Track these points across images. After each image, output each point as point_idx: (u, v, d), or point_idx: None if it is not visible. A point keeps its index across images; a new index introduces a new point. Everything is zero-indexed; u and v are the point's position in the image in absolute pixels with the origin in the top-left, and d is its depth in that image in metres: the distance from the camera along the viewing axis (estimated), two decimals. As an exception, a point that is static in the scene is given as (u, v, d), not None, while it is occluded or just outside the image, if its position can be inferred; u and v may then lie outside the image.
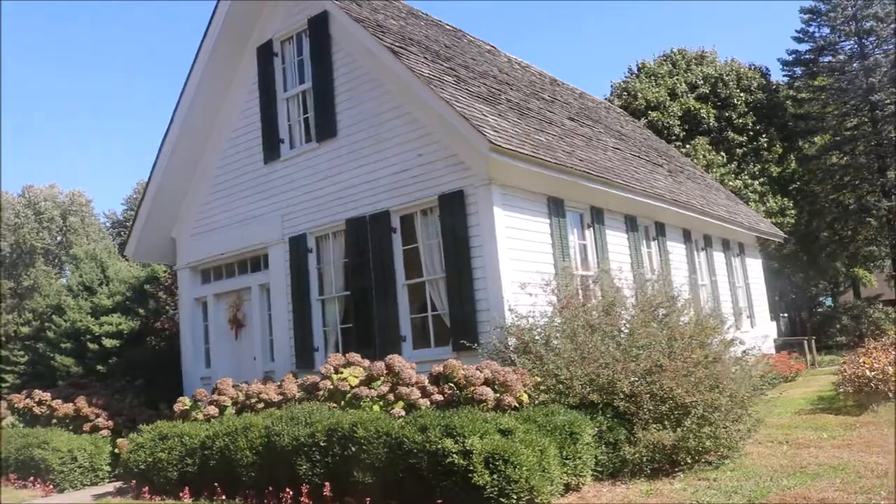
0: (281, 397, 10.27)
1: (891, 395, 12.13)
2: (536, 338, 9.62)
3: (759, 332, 19.68)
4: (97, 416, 13.19)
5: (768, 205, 30.62)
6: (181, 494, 9.50)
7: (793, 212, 30.72)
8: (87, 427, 12.98)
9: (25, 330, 54.55)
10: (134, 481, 10.28)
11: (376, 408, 9.00)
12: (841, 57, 32.29)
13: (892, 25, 30.02)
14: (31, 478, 12.02)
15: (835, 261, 32.73)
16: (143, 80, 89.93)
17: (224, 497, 9.08)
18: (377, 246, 11.80)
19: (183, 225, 15.07)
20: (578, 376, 8.71)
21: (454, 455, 7.24)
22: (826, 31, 32.39)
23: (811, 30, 32.65)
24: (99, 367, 31.40)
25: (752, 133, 33.26)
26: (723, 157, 31.85)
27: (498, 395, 8.50)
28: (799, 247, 31.62)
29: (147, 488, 9.96)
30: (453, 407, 8.43)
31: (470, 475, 7.09)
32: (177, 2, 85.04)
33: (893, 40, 30.33)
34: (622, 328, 9.58)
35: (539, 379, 8.90)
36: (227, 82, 14.23)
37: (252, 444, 9.03)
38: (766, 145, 32.77)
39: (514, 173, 10.82)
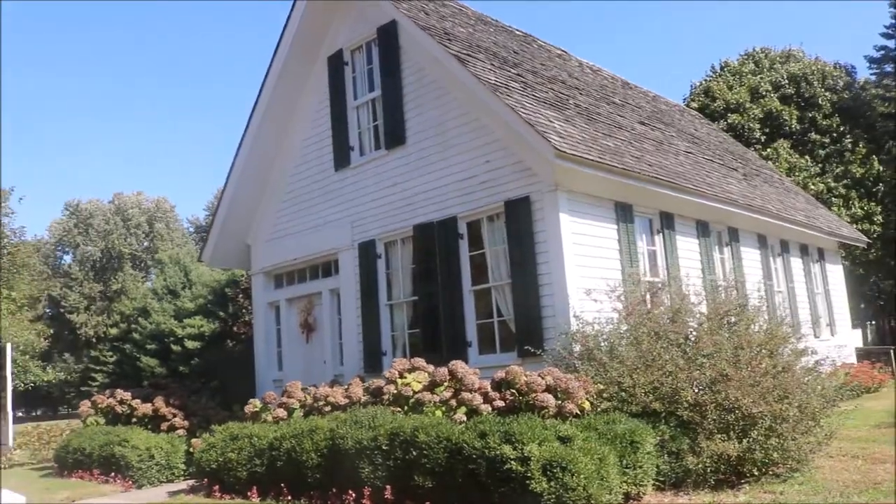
0: (347, 401, 10.42)
1: (977, 408, 11.63)
2: (601, 345, 9.55)
3: (839, 341, 19.06)
4: (174, 415, 13.63)
5: (853, 209, 29.62)
6: (249, 494, 9.75)
7: (879, 217, 29.62)
8: (164, 426, 13.44)
9: (114, 332, 56.61)
10: (205, 479, 10.57)
11: (439, 413, 9.07)
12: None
13: None
14: (112, 473, 12.48)
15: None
16: (224, 86, 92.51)
17: (290, 497, 9.27)
18: (444, 252, 11.89)
19: (257, 231, 15.46)
20: (641, 384, 8.61)
21: (512, 461, 7.25)
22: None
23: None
24: (181, 368, 32.46)
25: (836, 134, 32.22)
26: (806, 160, 30.95)
27: (559, 402, 8.47)
28: (885, 252, 30.45)
29: (217, 487, 10.23)
30: (514, 413, 8.43)
31: (527, 482, 7.09)
32: (248, 3, 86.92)
33: None
34: (689, 336, 9.42)
35: (602, 386, 8.82)
36: (299, 91, 14.55)
37: (317, 446, 9.20)
38: (850, 147, 31.67)
39: (580, 179, 10.77)
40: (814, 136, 32.11)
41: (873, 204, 29.78)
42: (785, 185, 21.08)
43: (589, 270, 10.70)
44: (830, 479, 8.54)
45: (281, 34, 14.10)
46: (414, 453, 8.15)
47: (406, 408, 9.45)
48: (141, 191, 59.37)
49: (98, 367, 52.68)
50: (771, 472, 8.77)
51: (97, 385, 44.48)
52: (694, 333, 9.31)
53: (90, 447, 13.20)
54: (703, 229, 13.87)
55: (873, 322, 39.89)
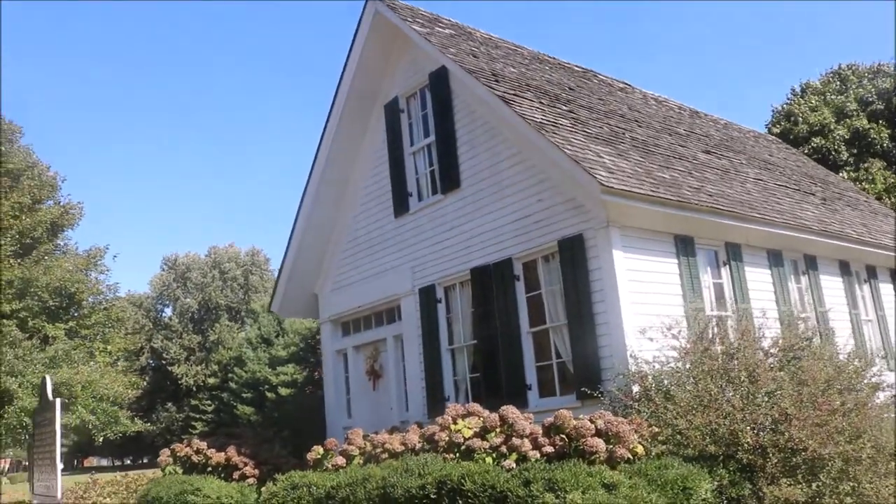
0: (403, 448, 10.33)
1: None
2: (657, 385, 9.20)
3: (941, 371, 17.89)
4: (245, 464, 13.79)
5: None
6: (307, 543, 9.73)
7: None
8: (236, 475, 13.61)
9: (212, 381, 58.04)
10: (268, 529, 10.61)
11: (489, 460, 8.88)
12: None
13: None
14: (186, 524, 12.66)
15: None
16: (301, 137, 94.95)
17: (345, 548, 9.20)
18: (501, 294, 11.76)
19: (324, 280, 15.65)
20: (697, 426, 8.21)
21: (555, 511, 7.01)
22: None
23: None
24: (276, 415, 32.90)
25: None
26: (904, 179, 29.48)
27: (610, 446, 8.17)
28: None
29: (281, 536, 10.26)
30: (564, 459, 8.17)
31: (570, 532, 6.83)
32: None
33: None
34: (751, 373, 8.96)
35: (657, 429, 8.48)
36: (358, 140, 14.76)
37: (370, 494, 9.12)
38: (951, 163, 30.06)
39: (634, 214, 10.50)
40: (911, 154, 30.62)
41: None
42: (872, 207, 20.07)
43: (647, 307, 10.34)
44: (913, 526, 7.95)
45: (338, 85, 14.37)
46: (460, 502, 7.99)
47: (458, 454, 9.29)
48: (233, 242, 61.26)
49: (198, 416, 54.27)
50: (847, 518, 8.22)
51: (197, 433, 45.76)
52: (755, 371, 8.85)
53: (166, 496, 13.46)
54: (775, 258, 13.29)
55: None
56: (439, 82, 13.10)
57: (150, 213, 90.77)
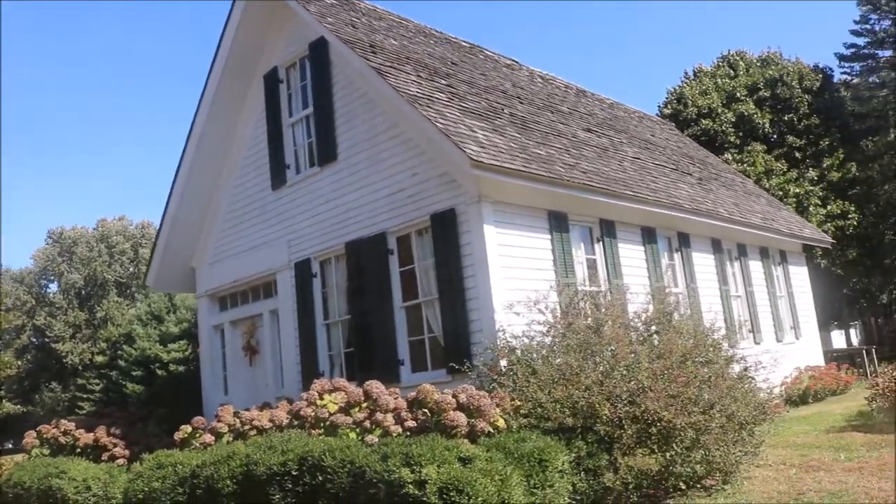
0: (271, 424, 10.14)
1: (927, 410, 11.33)
2: (523, 359, 9.27)
3: (804, 344, 18.78)
4: (115, 445, 13.33)
5: (829, 208, 29.36)
6: (171, 524, 9.45)
7: (855, 215, 29.37)
8: (105, 456, 13.14)
9: (100, 359, 56.36)
10: (132, 511, 10.28)
11: (353, 435, 8.79)
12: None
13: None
14: (50, 507, 12.15)
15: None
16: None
17: (208, 527, 8.97)
18: (375, 268, 11.63)
19: (201, 254, 15.20)
20: (557, 399, 8.31)
21: (409, 485, 6.93)
22: (887, 23, 31.00)
23: (871, 23, 31.28)
24: (162, 392, 31.96)
25: (813, 136, 31.96)
26: (782, 164, 30.66)
27: (472, 420, 8.18)
28: (862, 251, 30.18)
29: (144, 518, 9.94)
30: (426, 434, 8.14)
31: (424, 507, 6.79)
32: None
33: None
34: (612, 348, 9.12)
35: (519, 403, 8.54)
36: (237, 110, 14.33)
37: (233, 472, 8.88)
38: (826, 148, 31.40)
39: (507, 189, 10.52)
40: (791, 139, 31.85)
41: (847, 203, 29.53)
42: (747, 188, 20.82)
43: (519, 282, 10.40)
44: (758, 491, 8.27)
45: (215, 53, 13.89)
46: (320, 478, 7.84)
47: (323, 430, 9.17)
48: (124, 215, 59.11)
49: (85, 396, 52.32)
50: (700, 486, 8.49)
51: (84, 413, 44.09)
52: (615, 345, 9.01)
53: (30, 480, 12.86)
54: (649, 235, 13.61)
55: (858, 322, 39.59)
56: (319, 53, 12.81)
57: (36, 183, 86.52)
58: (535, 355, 9.26)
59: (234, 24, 13.58)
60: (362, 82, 11.87)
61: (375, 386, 9.06)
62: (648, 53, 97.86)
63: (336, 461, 7.83)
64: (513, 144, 11.07)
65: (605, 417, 8.20)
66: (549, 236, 11.37)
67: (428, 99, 10.91)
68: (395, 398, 9.09)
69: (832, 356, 22.32)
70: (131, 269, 57.22)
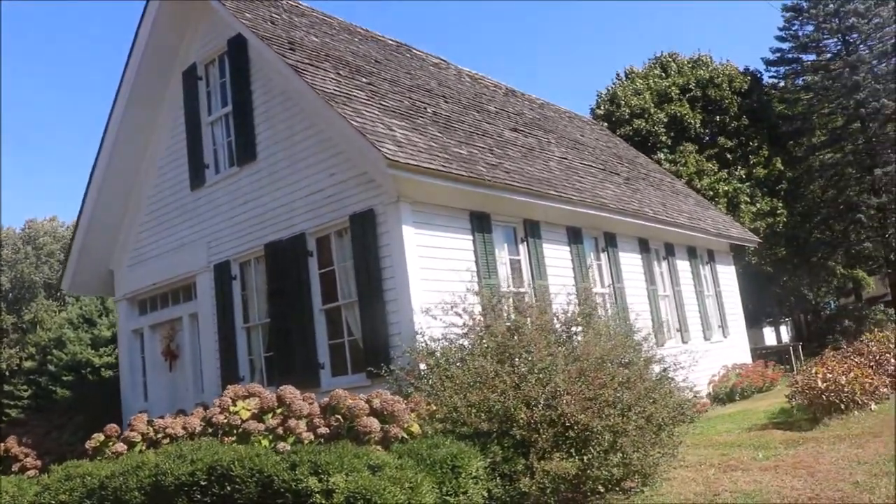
0: (184, 432, 9.81)
1: (843, 407, 11.50)
2: (441, 363, 9.11)
3: (732, 342, 19.03)
4: (26, 455, 12.81)
5: (759, 205, 29.90)
6: (78, 539, 9.06)
7: (784, 212, 29.97)
8: (16, 467, 12.62)
9: (28, 364, 54.65)
10: (38, 525, 9.84)
11: (265, 442, 8.53)
12: (826, 55, 31.60)
13: (876, 21, 29.33)
14: (-47, 522, 11.61)
15: (828, 262, 31.90)
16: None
17: (115, 542, 8.61)
18: (294, 270, 11.37)
19: (120, 255, 14.72)
20: (473, 403, 8.16)
21: (317, 494, 6.71)
22: (809, 28, 31.75)
23: (794, 28, 31.99)
24: (85, 399, 31.08)
25: (743, 137, 32.53)
26: (713, 164, 31.13)
27: (385, 426, 8.00)
28: (790, 249, 30.84)
29: (49, 533, 9.51)
30: (339, 440, 7.93)
31: (330, 516, 6.58)
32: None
33: (877, 36, 29.63)
34: (530, 350, 9.01)
35: (435, 408, 8.37)
36: (155, 107, 13.91)
37: (142, 483, 8.52)
38: (755, 148, 31.99)
39: (427, 189, 10.35)
40: (722, 139, 32.36)
41: (775, 201, 30.12)
42: (675, 188, 21.02)
43: (439, 284, 10.24)
44: (675, 493, 8.26)
45: (132, 46, 13.43)
46: (229, 488, 7.57)
47: (235, 438, 8.89)
48: (55, 216, 57.42)
49: (12, 403, 50.65)
50: (619, 489, 8.43)
51: (8, 421, 42.72)
52: (532, 347, 8.90)
53: (-64, 494, 12.31)
54: (574, 236, 13.58)
55: (789, 319, 40.44)
56: (237, 49, 12.49)
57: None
58: (452, 359, 9.11)
59: (150, 18, 13.16)
60: (280, 80, 11.59)
61: (289, 391, 8.81)
62: (581, 55, 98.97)
63: (245, 470, 7.56)
64: (433, 144, 10.92)
65: (521, 421, 8.07)
66: (471, 237, 11.25)
67: (346, 97, 10.69)
68: (311, 403, 8.85)
69: (760, 353, 22.72)
70: (60, 272, 55.60)
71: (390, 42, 16.24)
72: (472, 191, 10.77)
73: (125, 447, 10.37)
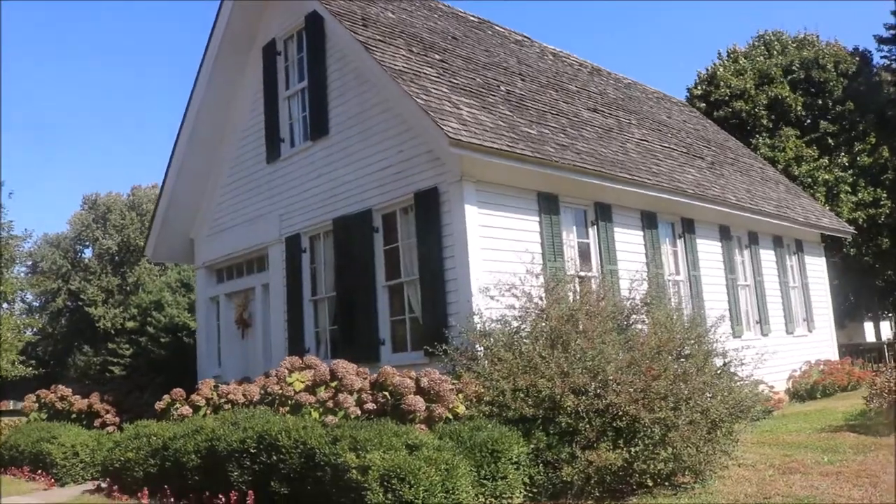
0: (244, 399, 10.09)
1: (925, 411, 10.89)
2: (496, 345, 9.03)
3: (818, 337, 18.25)
4: (107, 412, 13.46)
5: (861, 195, 28.52)
6: (140, 495, 9.44)
7: (887, 202, 28.48)
8: (97, 423, 13.27)
9: (131, 324, 57.11)
10: (107, 479, 10.32)
11: (315, 414, 8.68)
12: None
13: None
14: (40, 471, 12.29)
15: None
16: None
17: (172, 499, 8.94)
18: (360, 245, 11.47)
19: (200, 226, 15.17)
20: (521, 388, 8.07)
21: (353, 470, 6.80)
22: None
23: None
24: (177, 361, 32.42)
25: (846, 122, 30.99)
26: (814, 150, 29.81)
27: (431, 405, 8.01)
28: (892, 241, 29.25)
29: (118, 487, 9.95)
30: (385, 417, 8.00)
31: (364, 492, 6.63)
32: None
33: None
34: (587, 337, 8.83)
35: (483, 390, 8.32)
36: (236, 82, 14.20)
37: (199, 447, 8.84)
38: (860, 135, 30.43)
39: (491, 169, 10.24)
40: (824, 124, 30.92)
41: (879, 190, 28.63)
42: (765, 174, 20.19)
43: (501, 265, 10.13)
44: (725, 492, 7.95)
45: (213, 24, 13.75)
46: (275, 457, 7.76)
47: (289, 408, 9.07)
48: (156, 183, 59.63)
49: (115, 360, 53.16)
50: (670, 483, 8.21)
51: (113, 377, 44.84)
52: (587, 334, 8.72)
53: (24, 443, 13.03)
54: (649, 220, 13.23)
55: (891, 314, 38.48)
56: (314, 25, 12.59)
57: (74, 148, 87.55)
58: (506, 341, 9.02)
59: (231, -7, 13.43)
60: (353, 56, 11.64)
61: (342, 365, 8.93)
62: (682, 35, 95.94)
63: (290, 441, 7.74)
64: (501, 123, 10.78)
65: (568, 409, 7.94)
66: (537, 218, 11.09)
67: (414, 74, 10.65)
68: (365, 378, 8.95)
69: (854, 350, 21.76)
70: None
71: (472, 19, 16.09)
72: (538, 171, 10.60)
73: (190, 410, 10.75)
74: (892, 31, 30.86)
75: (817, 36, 34.23)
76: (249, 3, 13.52)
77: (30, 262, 55.61)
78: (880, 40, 31.32)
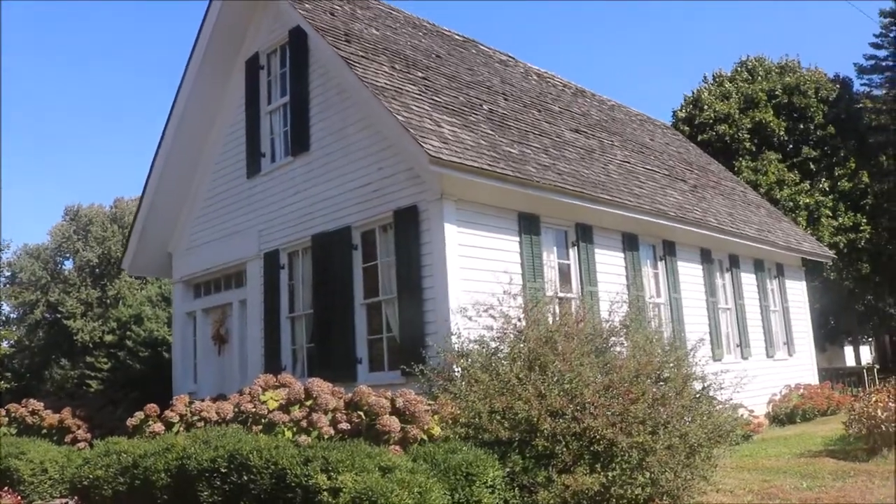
0: (217, 417, 9.92)
1: (902, 438, 10.85)
2: (472, 366, 8.92)
3: (797, 361, 18.26)
4: (78, 427, 13.21)
5: (841, 220, 28.71)
6: (107, 514, 9.26)
7: (867, 228, 28.68)
8: (68, 438, 13.02)
9: (109, 338, 56.53)
10: (75, 497, 10.13)
11: (289, 434, 8.53)
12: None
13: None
14: (7, 487, 12.03)
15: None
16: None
17: (139, 520, 8.77)
18: (338, 263, 11.36)
19: (178, 239, 15.01)
20: (497, 410, 7.96)
21: (324, 492, 6.66)
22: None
23: (892, 34, 30.47)
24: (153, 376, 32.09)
25: (828, 148, 31.24)
26: (795, 174, 30.01)
27: (406, 426, 7.89)
28: (874, 266, 29.44)
29: (84, 505, 9.77)
30: (359, 437, 7.87)
31: (335, 515, 6.50)
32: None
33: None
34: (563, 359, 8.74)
35: (459, 411, 8.21)
36: (219, 95, 14.10)
37: (169, 465, 8.66)
38: (841, 160, 30.68)
39: (471, 188, 10.19)
40: (806, 149, 31.17)
41: (859, 216, 28.84)
42: (747, 197, 20.27)
43: (479, 285, 10.04)
44: (702, 517, 7.90)
45: (197, 37, 13.64)
46: (245, 477, 7.60)
47: (262, 427, 8.92)
48: (139, 196, 59.27)
49: (93, 374, 52.52)
50: (646, 508, 8.11)
51: (92, 391, 44.31)
52: (564, 357, 8.63)
53: (-8, 459, 12.79)
54: (630, 242, 13.20)
55: (871, 339, 38.69)
56: (298, 40, 12.52)
57: (55, 158, 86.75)
58: (483, 362, 8.91)
59: (216, 6, 13.34)
60: (335, 72, 11.58)
61: (317, 384, 8.81)
62: (665, 61, 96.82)
63: (261, 461, 7.57)
64: (482, 141, 10.73)
65: (544, 432, 7.84)
66: (517, 238, 11.03)
67: (396, 91, 10.59)
68: (340, 398, 8.83)
69: (834, 374, 21.79)
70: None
71: (457, 37, 16.10)
72: (519, 191, 10.55)
73: (163, 427, 10.56)
74: (871, 61, 31.26)
75: (798, 62, 34.57)
76: (233, 17, 13.41)
77: (8, 273, 55.07)
78: (861, 70, 31.74)
